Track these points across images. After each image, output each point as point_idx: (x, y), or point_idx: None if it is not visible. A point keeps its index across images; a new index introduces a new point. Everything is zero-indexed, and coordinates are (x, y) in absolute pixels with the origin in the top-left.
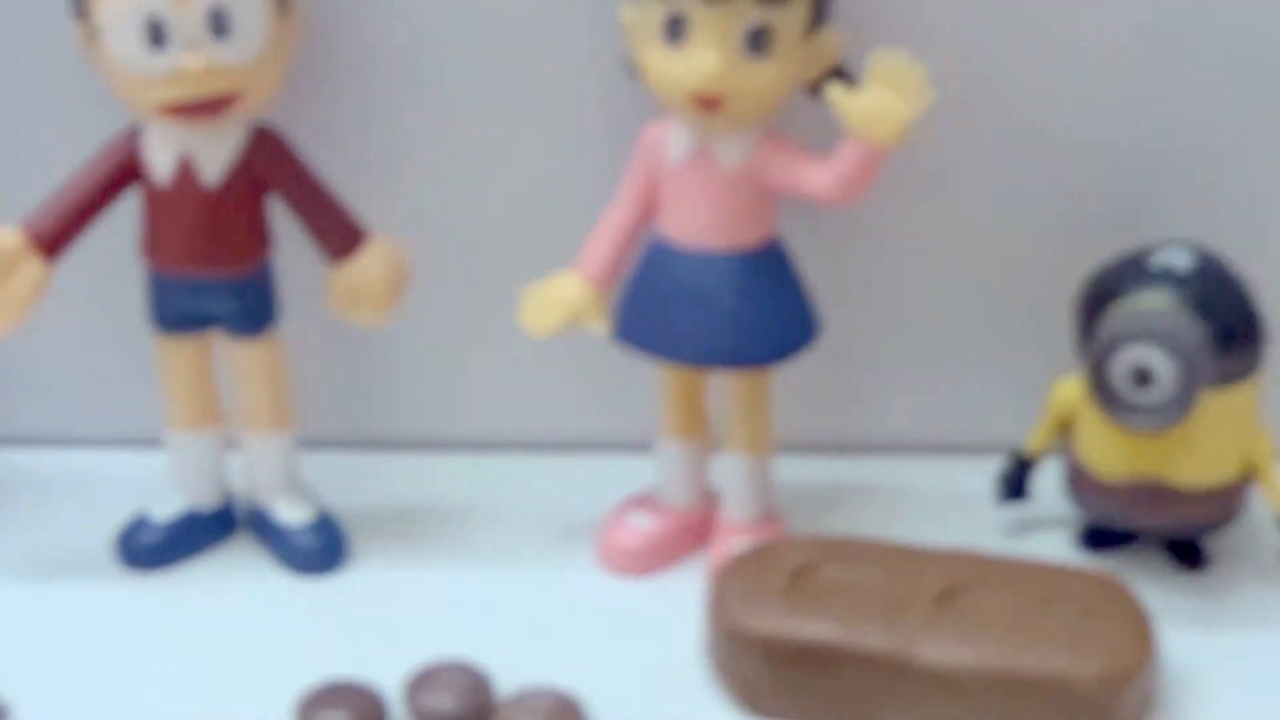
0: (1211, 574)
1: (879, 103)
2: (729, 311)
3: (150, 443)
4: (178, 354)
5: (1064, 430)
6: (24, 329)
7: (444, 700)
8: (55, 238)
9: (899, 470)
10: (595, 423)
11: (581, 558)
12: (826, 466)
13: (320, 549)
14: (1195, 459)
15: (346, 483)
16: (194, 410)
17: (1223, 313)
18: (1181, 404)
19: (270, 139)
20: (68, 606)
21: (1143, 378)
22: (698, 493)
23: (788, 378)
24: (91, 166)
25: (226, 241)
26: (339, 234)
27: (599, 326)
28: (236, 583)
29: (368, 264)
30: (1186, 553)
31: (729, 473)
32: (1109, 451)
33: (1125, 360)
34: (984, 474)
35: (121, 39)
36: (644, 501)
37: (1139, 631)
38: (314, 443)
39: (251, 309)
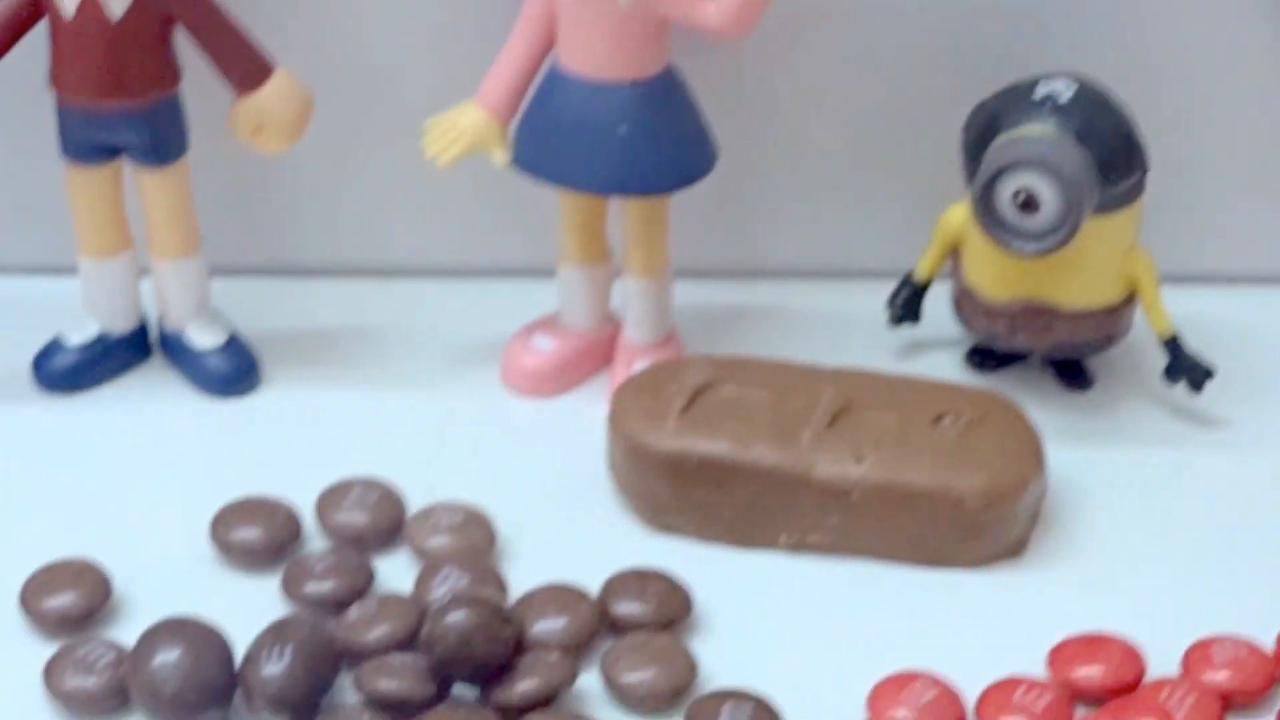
0: (1095, 393)
1: None
2: (623, 140)
3: (64, 269)
4: (87, 183)
5: (952, 255)
6: None
7: (355, 516)
8: None
9: (794, 295)
10: (499, 249)
11: (487, 379)
12: (723, 290)
13: (232, 371)
14: (1079, 282)
15: (256, 308)
16: (105, 237)
17: (1104, 140)
18: (1065, 229)
19: None
20: None
21: (1027, 204)
22: (599, 316)
23: (684, 204)
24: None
25: (131, 73)
26: (244, 66)
27: (500, 155)
28: (150, 405)
29: (272, 95)
30: (1071, 372)
31: (628, 297)
32: (995, 275)
33: (1009, 187)
34: (876, 298)
35: None
36: (547, 324)
37: (1027, 447)
38: (223, 269)
39: (158, 140)
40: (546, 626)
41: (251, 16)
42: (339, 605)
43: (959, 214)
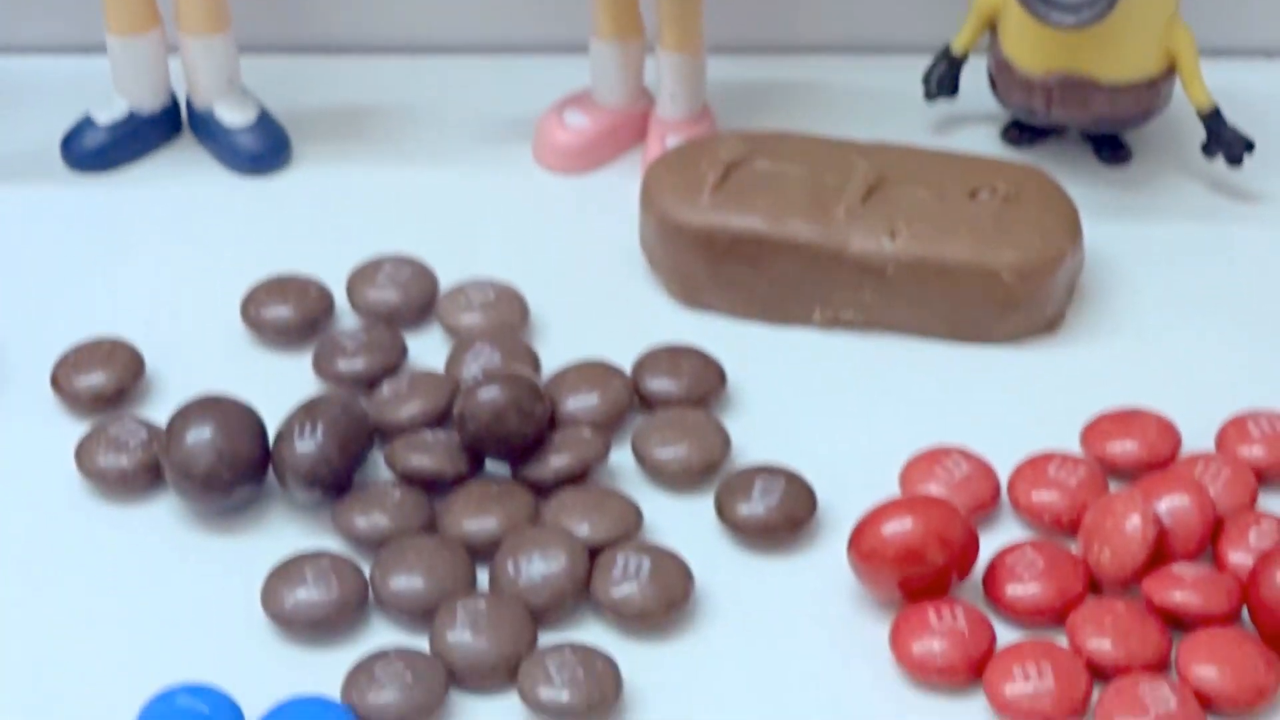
0: (1133, 167)
1: None
2: None
3: (93, 48)
4: None
5: (989, 28)
6: None
7: (387, 293)
8: None
9: (828, 69)
10: (531, 24)
11: (520, 156)
12: (757, 66)
13: (262, 149)
14: (1117, 54)
15: (286, 86)
16: (133, 14)
17: None
18: (1103, 1)
19: None
20: (14, 208)
21: None
22: (632, 92)
23: None
24: None
25: None
26: None
27: None
28: (180, 183)
29: None
30: (1109, 146)
31: (661, 72)
32: (1032, 48)
33: None
34: (912, 73)
35: None
36: (579, 100)
37: (1064, 221)
38: (252, 47)
39: None
40: (579, 403)
41: None
42: (371, 382)
43: None
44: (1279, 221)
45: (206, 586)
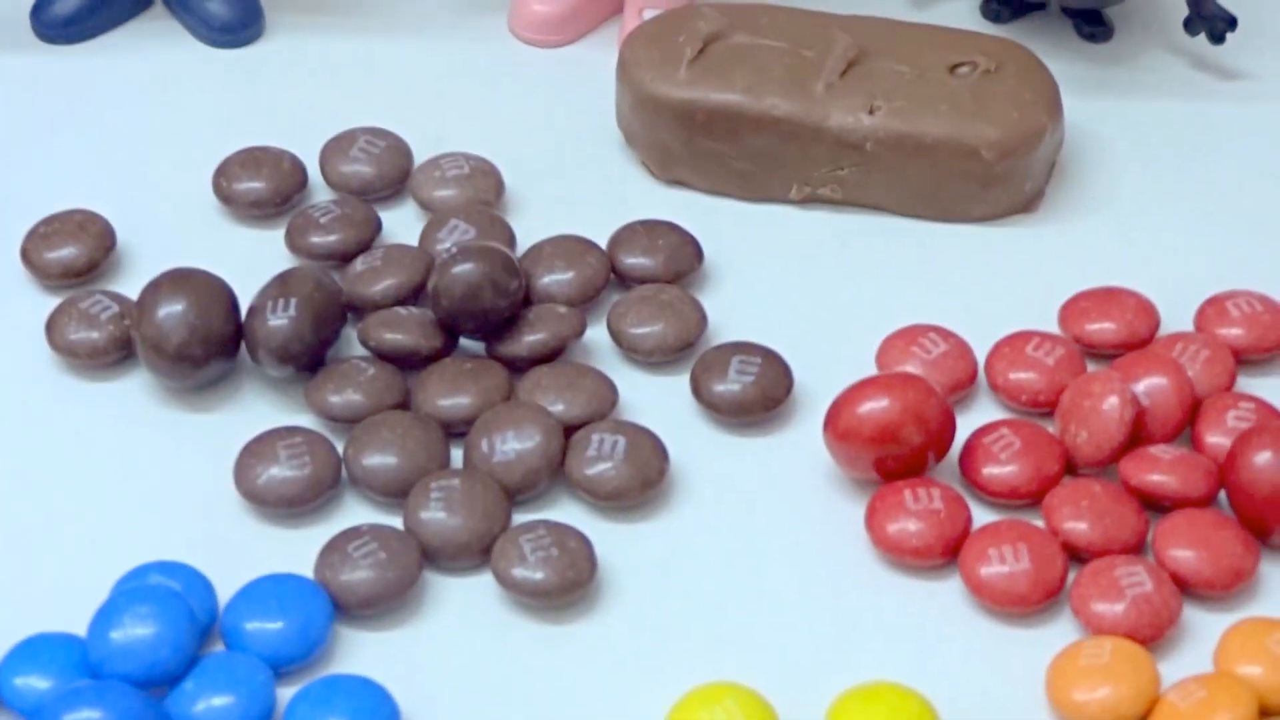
0: (1114, 43)
1: None
2: None
3: None
4: None
5: None
6: None
7: (361, 166)
8: None
9: None
10: None
11: (495, 28)
12: None
13: (234, 19)
14: None
15: None
16: None
17: None
18: None
19: None
20: None
21: None
22: None
23: None
24: None
25: None
26: None
27: None
28: (151, 53)
29: None
30: (1090, 22)
31: None
32: None
33: None
34: None
35: None
36: None
37: (1044, 97)
38: None
39: None
40: (554, 279)
41: None
42: (344, 257)
43: None
44: (1261, 99)
45: (178, 463)
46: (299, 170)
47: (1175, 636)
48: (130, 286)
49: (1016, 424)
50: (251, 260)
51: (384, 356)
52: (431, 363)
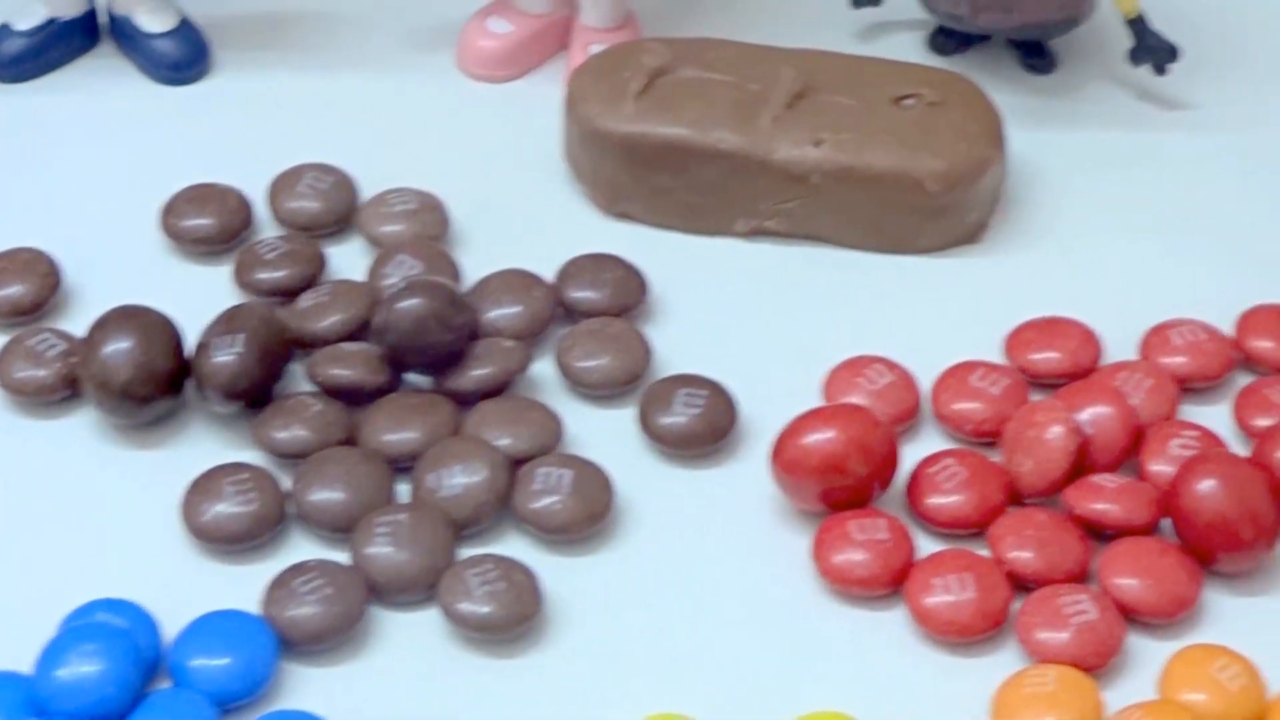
0: (1059, 75)
1: None
2: None
3: None
4: None
5: None
6: None
7: (308, 202)
8: None
9: None
10: None
11: (443, 64)
12: None
13: (182, 56)
14: None
15: None
16: None
17: None
18: None
19: None
20: None
21: None
22: None
23: None
24: None
25: None
26: None
27: None
28: (99, 90)
29: None
30: (1035, 54)
31: None
32: None
33: None
34: None
35: None
36: (503, 7)
37: (988, 129)
38: None
39: None
40: (501, 313)
41: None
42: (291, 293)
43: None
44: (1204, 129)
45: (125, 500)
46: (246, 206)
47: (1119, 664)
48: (78, 324)
49: (962, 454)
50: (199, 296)
51: (331, 392)
52: (378, 398)
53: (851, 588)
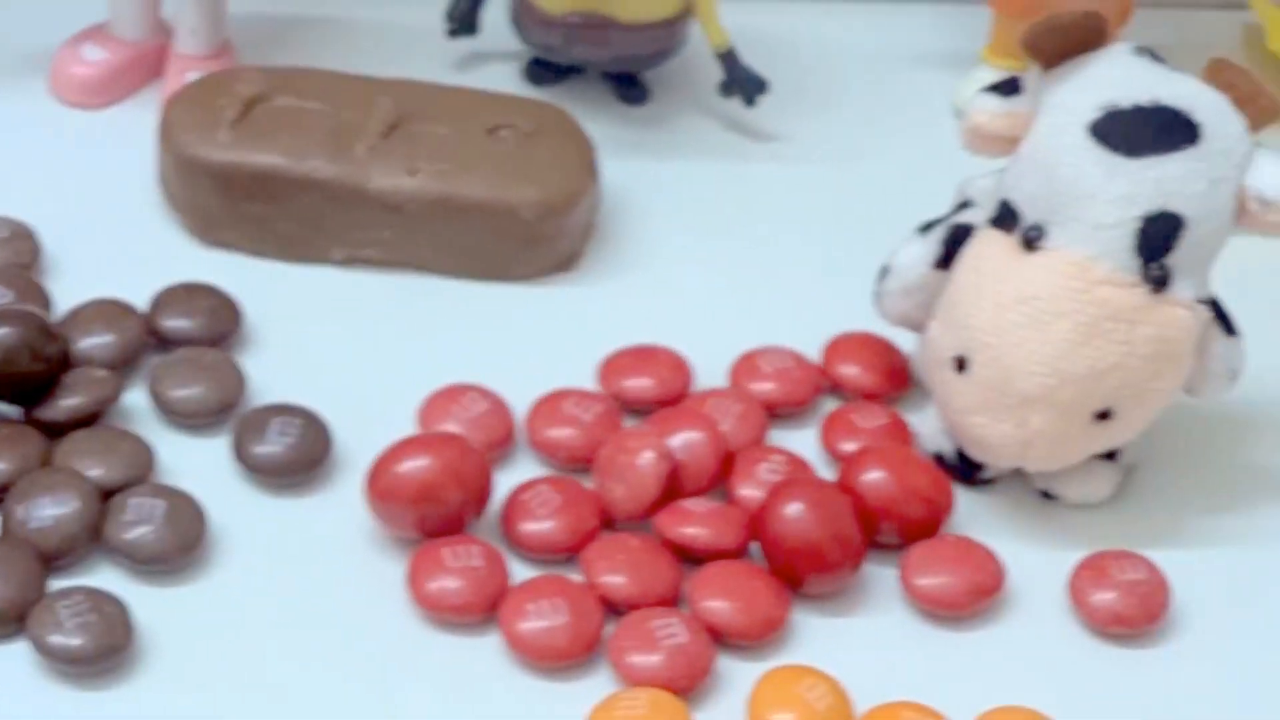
0: (651, 106)
1: None
2: None
3: None
4: None
5: None
6: None
7: None
8: None
9: (352, 6)
10: None
11: (35, 90)
12: (280, 2)
13: None
14: None
15: None
16: None
17: None
18: None
19: None
20: None
21: None
22: (150, 25)
23: None
24: None
25: None
26: None
27: None
28: None
29: None
30: (628, 85)
31: (180, 5)
32: None
33: None
34: (433, 9)
35: None
36: (97, 34)
37: (581, 159)
38: None
39: None
40: (92, 342)
41: None
42: None
43: None
44: (792, 160)
45: None
46: None
47: (710, 686)
48: None
49: (555, 480)
50: None
51: None
52: None
53: (446, 614)
